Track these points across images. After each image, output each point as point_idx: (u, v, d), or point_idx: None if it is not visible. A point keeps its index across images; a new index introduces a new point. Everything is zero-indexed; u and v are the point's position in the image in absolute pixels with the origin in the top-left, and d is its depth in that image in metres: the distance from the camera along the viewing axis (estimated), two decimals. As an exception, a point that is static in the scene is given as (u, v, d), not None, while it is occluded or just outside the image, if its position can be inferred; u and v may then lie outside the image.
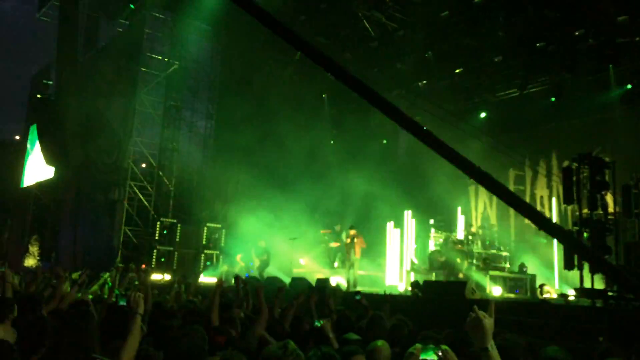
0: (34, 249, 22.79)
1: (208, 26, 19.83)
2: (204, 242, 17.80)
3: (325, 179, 18.22)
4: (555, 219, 14.90)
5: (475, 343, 2.42)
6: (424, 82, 17.91)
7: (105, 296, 7.90)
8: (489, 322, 2.40)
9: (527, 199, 16.04)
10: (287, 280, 13.02)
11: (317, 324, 4.98)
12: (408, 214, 15.26)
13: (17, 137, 28.62)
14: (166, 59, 20.02)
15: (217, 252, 17.89)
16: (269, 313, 6.48)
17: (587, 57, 14.18)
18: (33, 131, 23.36)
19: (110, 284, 9.95)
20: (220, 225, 18.31)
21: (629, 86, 13.83)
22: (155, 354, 3.88)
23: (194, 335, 4.04)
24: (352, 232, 14.43)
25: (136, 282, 9.32)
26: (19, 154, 25.71)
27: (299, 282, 12.24)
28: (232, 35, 19.79)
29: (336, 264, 15.95)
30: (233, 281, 15.00)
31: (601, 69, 14.14)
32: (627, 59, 13.55)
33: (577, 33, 13.77)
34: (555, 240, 11.30)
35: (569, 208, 10.29)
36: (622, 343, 5.66)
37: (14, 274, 8.78)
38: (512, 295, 12.08)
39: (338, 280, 14.20)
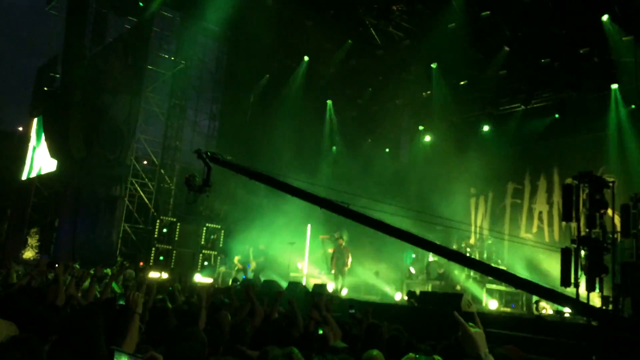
0: (33, 241, 22.78)
1: (215, 27, 19.90)
2: (202, 242, 17.81)
3: (327, 184, 18.22)
4: (556, 235, 14.99)
5: (471, 353, 2.47)
6: (428, 92, 17.97)
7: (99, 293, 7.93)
8: (478, 332, 2.46)
9: (524, 213, 16.11)
10: (284, 284, 13.05)
11: (320, 331, 5.03)
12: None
13: (20, 128, 28.67)
14: (173, 58, 20.11)
15: (215, 253, 17.92)
16: (266, 317, 6.52)
17: (591, 75, 14.27)
18: (39, 123, 23.42)
19: (113, 283, 9.97)
20: (219, 226, 18.34)
21: (633, 106, 13.89)
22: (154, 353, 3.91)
23: (193, 338, 4.08)
24: (341, 242, 14.60)
25: (131, 283, 9.34)
26: (22, 145, 25.74)
27: (295, 287, 12.27)
28: (239, 37, 19.87)
29: (334, 270, 16.00)
30: (230, 282, 15.11)
31: (605, 88, 14.22)
32: (631, 79, 13.62)
33: (582, 51, 13.85)
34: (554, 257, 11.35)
35: (571, 225, 10.32)
36: (615, 363, 5.70)
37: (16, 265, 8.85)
38: (507, 310, 12.13)
39: (333, 286, 14.25)
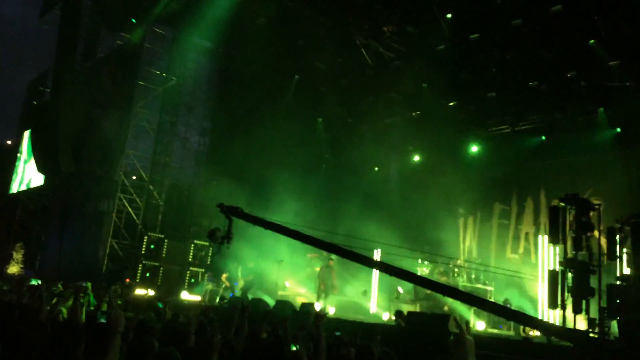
0: (18, 256, 22.54)
1: (207, 44, 20.00)
2: (190, 259, 17.69)
3: (316, 202, 18.27)
4: (541, 256, 15.04)
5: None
6: (418, 112, 18.11)
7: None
8: (470, 340, 2.51)
9: (511, 234, 16.19)
10: (271, 302, 12.97)
11: (293, 347, 4.94)
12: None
13: (9, 142, 28.53)
14: (164, 74, 20.14)
15: (203, 270, 17.79)
16: (253, 336, 6.46)
17: (578, 99, 14.46)
18: (28, 137, 23.31)
19: (92, 296, 9.88)
20: (207, 243, 18.22)
21: (618, 129, 14.08)
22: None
23: (167, 358, 4.04)
24: (331, 262, 14.59)
25: (119, 302, 9.25)
26: (10, 159, 25.58)
27: (283, 306, 12.20)
28: (231, 54, 19.98)
29: (322, 287, 15.97)
30: (217, 300, 14.99)
31: (592, 111, 14.42)
32: (617, 102, 13.82)
33: (569, 74, 14.04)
34: (540, 278, 11.40)
35: (557, 246, 10.38)
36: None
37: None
38: (495, 331, 12.12)
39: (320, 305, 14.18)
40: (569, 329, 8.81)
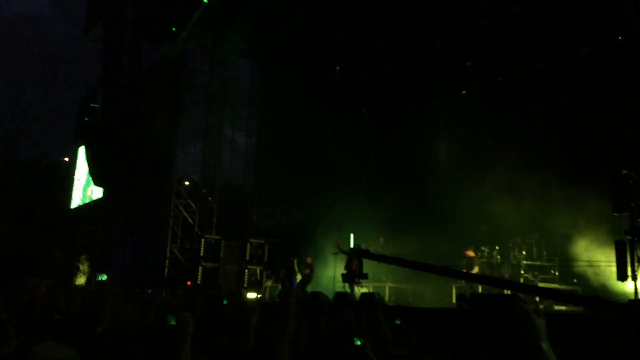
0: (84, 267, 23.42)
1: (247, 45, 20.18)
2: (247, 258, 17.92)
3: (367, 191, 18.18)
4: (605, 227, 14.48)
5: (531, 344, 2.38)
6: (464, 92, 17.72)
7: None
8: (541, 321, 2.38)
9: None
10: (330, 295, 12.97)
11: (357, 342, 4.84)
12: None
13: (66, 159, 29.64)
14: (207, 79, 20.45)
15: (261, 268, 18.01)
16: (313, 328, 6.46)
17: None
18: (81, 153, 24.14)
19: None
20: (263, 241, 18.44)
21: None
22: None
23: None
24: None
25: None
26: (68, 176, 26.60)
27: (343, 298, 12.17)
28: (271, 52, 20.08)
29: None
30: (277, 296, 15.14)
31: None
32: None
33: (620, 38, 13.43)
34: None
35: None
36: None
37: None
38: (563, 308, 11.73)
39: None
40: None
